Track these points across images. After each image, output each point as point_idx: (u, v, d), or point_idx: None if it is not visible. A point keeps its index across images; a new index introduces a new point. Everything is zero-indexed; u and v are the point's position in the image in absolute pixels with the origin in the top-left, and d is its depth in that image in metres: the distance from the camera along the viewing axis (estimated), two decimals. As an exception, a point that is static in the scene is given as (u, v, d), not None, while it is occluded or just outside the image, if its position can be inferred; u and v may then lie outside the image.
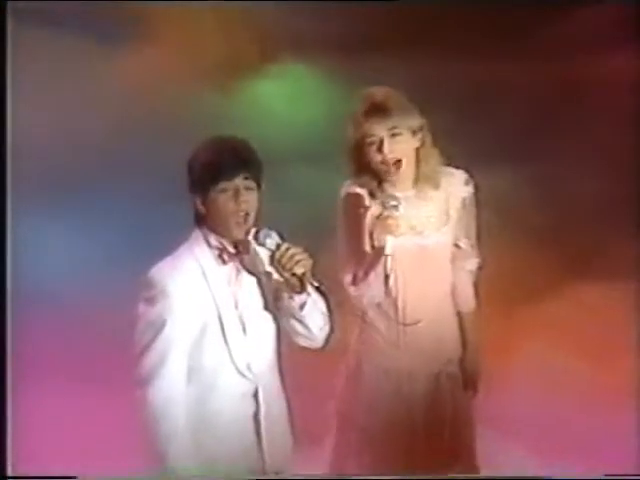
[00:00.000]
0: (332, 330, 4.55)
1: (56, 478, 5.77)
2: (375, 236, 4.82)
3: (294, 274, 4.37)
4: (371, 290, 4.87)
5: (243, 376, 4.47)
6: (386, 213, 4.77)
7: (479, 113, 7.59)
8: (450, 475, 5.01)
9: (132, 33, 8.87)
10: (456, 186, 4.96)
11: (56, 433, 6.66)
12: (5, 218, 7.03)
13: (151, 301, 4.38)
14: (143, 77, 8.36)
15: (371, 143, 4.79)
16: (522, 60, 8.47)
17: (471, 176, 5.00)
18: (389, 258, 4.81)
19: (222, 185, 4.35)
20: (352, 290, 4.88)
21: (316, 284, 4.46)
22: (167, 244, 4.49)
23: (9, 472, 5.81)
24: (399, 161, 4.80)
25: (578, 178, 7.81)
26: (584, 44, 8.66)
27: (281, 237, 4.40)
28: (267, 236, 4.38)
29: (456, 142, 5.11)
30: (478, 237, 5.05)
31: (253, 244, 4.41)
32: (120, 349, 4.71)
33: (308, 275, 4.40)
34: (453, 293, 5.03)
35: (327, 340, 4.55)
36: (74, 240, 7.03)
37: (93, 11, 8.99)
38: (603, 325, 6.95)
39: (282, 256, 4.36)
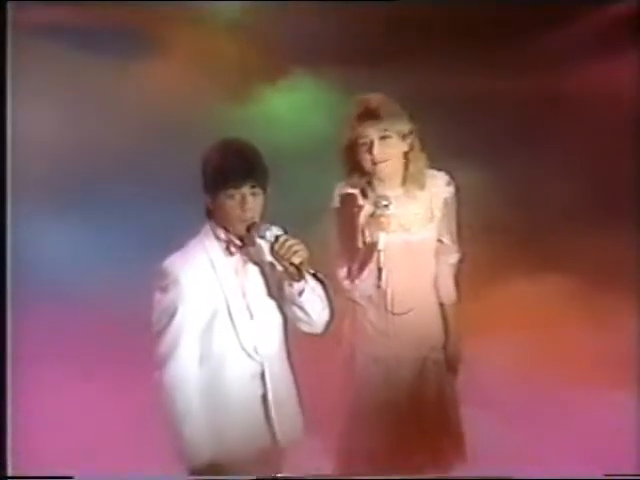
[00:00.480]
0: (332, 316, 4.55)
1: (56, 478, 5.52)
2: (368, 233, 4.87)
3: (292, 263, 4.38)
4: (364, 283, 4.91)
5: (251, 358, 4.50)
6: (378, 212, 4.82)
7: (466, 120, 7.58)
8: (450, 475, 5.07)
9: (148, 48, 8.82)
10: (439, 187, 4.98)
11: (62, 424, 6.39)
12: (13, 217, 7.01)
13: (165, 290, 4.41)
14: (159, 88, 8.29)
15: (363, 144, 4.83)
16: (506, 71, 8.41)
17: (452, 178, 5.02)
18: (381, 253, 4.86)
19: (230, 191, 4.39)
20: (346, 284, 4.91)
21: (312, 272, 4.48)
22: (177, 239, 4.51)
23: (9, 472, 5.65)
24: (386, 162, 4.84)
25: (552, 180, 7.82)
26: (566, 58, 8.58)
27: (284, 230, 4.44)
28: (267, 229, 4.41)
29: (443, 146, 5.13)
30: (459, 233, 5.07)
31: (254, 236, 4.44)
32: (135, 335, 4.75)
33: (305, 264, 4.41)
34: (436, 285, 5.04)
35: (327, 326, 4.56)
36: (94, 235, 6.99)
37: (111, 27, 8.99)
38: (570, 312, 6.93)
39: (281, 247, 4.38)
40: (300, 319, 4.55)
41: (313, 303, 4.52)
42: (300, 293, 4.47)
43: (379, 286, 4.91)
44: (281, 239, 4.39)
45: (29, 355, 6.49)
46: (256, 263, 4.53)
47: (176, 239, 4.54)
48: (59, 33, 9.00)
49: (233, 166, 4.43)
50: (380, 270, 4.88)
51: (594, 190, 7.74)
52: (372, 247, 4.86)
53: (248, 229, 4.43)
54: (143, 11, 9.27)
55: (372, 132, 4.82)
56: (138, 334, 4.61)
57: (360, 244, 4.88)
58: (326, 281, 4.56)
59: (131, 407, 5.02)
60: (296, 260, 4.39)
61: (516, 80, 8.44)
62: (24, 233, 7.00)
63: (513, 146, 7.98)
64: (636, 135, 7.85)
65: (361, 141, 4.84)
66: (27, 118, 7.86)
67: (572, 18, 8.85)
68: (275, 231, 4.42)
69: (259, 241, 4.46)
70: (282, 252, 4.40)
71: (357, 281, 4.90)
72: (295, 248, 4.38)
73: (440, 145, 5.14)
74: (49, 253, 7.12)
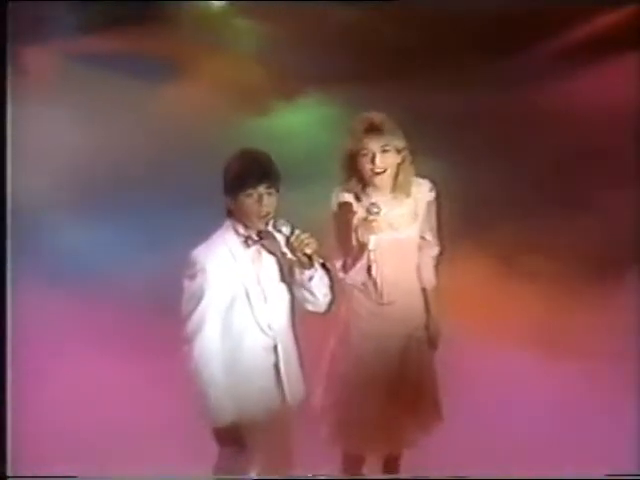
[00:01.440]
0: (334, 298, 4.64)
1: (56, 478, 5.33)
2: (360, 234, 4.90)
3: (305, 254, 4.46)
4: (357, 274, 4.94)
5: (265, 334, 4.57)
6: (370, 217, 4.85)
7: (452, 133, 7.56)
8: (451, 475, 4.99)
9: (175, 72, 8.81)
10: (423, 192, 5.00)
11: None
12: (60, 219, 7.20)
13: (193, 277, 4.47)
14: (185, 107, 8.29)
15: (365, 155, 4.85)
16: (487, 89, 8.34)
17: (434, 184, 5.04)
18: (371, 252, 4.91)
19: (249, 191, 4.45)
20: (341, 274, 4.93)
21: (321, 261, 4.55)
22: (202, 234, 4.55)
23: (9, 472, 5.40)
24: (385, 171, 4.88)
25: (522, 183, 7.75)
26: (536, 76, 8.59)
27: (293, 226, 4.52)
28: (283, 225, 4.52)
29: (428, 156, 5.18)
30: (439, 230, 5.08)
31: (272, 231, 4.53)
32: (166, 318, 4.76)
33: (315, 255, 4.49)
34: (418, 273, 5.05)
35: (329, 306, 4.64)
36: (127, 230, 6.97)
37: (143, 54, 8.99)
38: (534, 293, 6.86)
39: (295, 239, 4.47)
40: (308, 300, 4.62)
41: (320, 287, 4.59)
42: (310, 279, 4.54)
43: (370, 276, 4.93)
44: (296, 233, 4.48)
45: (57, 335, 6.44)
46: (271, 253, 4.58)
47: (198, 234, 4.58)
48: (98, 59, 9.03)
49: (251, 170, 4.49)
50: (370, 264, 4.92)
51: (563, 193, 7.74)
52: (364, 246, 4.90)
53: (267, 223, 4.51)
54: (171, 39, 9.30)
55: (374, 145, 4.84)
56: (166, 314, 4.68)
57: (354, 242, 4.91)
58: (331, 269, 4.64)
59: (163, 376, 5.00)
60: (308, 251, 4.47)
61: (497, 96, 8.34)
62: (69, 229, 7.14)
63: (492, 155, 7.92)
64: (601, 141, 7.94)
65: (364, 152, 4.86)
66: (70, 132, 7.97)
67: (554, 35, 8.89)
68: (290, 226, 4.52)
69: (276, 234, 4.53)
70: (296, 244, 4.48)
71: (351, 272, 4.93)
72: (307, 241, 4.47)
73: (427, 154, 5.20)
74: (88, 246, 7.08)
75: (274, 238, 4.57)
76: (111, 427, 5.74)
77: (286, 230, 4.53)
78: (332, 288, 4.67)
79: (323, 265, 4.59)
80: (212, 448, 4.64)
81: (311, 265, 4.52)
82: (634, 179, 7.45)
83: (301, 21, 9.19)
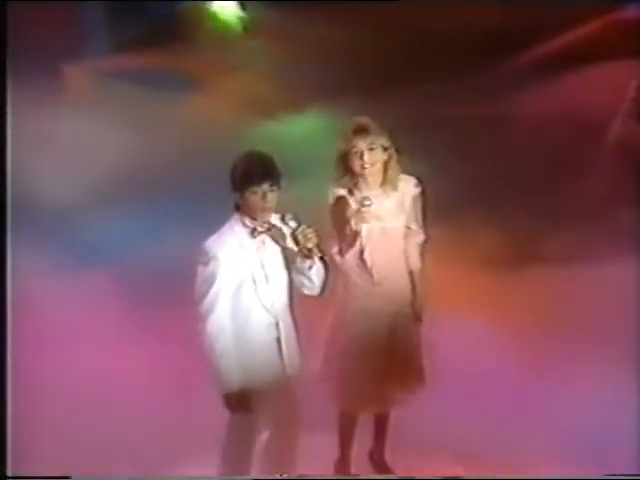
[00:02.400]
0: (326, 285, 4.62)
1: (55, 478, 4.99)
2: (353, 223, 4.85)
3: (307, 247, 4.47)
4: (351, 258, 4.90)
5: (268, 312, 4.56)
6: (363, 209, 4.82)
7: (437, 136, 7.50)
8: (450, 475, 4.92)
9: (191, 86, 8.85)
10: (409, 188, 4.97)
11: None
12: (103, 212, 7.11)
13: (206, 263, 4.45)
14: (199, 116, 8.29)
15: (355, 153, 4.82)
16: (468, 98, 8.41)
17: (420, 181, 5.00)
18: (363, 239, 4.88)
19: (254, 188, 4.43)
20: (338, 258, 4.90)
21: (320, 255, 4.54)
22: (214, 226, 4.52)
23: (9, 472, 4.97)
24: (373, 166, 4.84)
25: (497, 181, 7.69)
26: (514, 86, 8.65)
27: (298, 221, 4.50)
28: (290, 219, 4.49)
29: (415, 156, 5.11)
30: (424, 221, 5.04)
31: (280, 224, 4.52)
32: (179, 299, 4.76)
33: (315, 248, 4.48)
34: (406, 258, 5.02)
35: (323, 291, 4.63)
36: (148, 223, 6.91)
37: (165, 71, 9.04)
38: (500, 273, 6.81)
39: (299, 234, 4.46)
40: (305, 285, 4.60)
41: (317, 275, 4.58)
42: (309, 268, 4.53)
43: (362, 260, 4.91)
44: (302, 227, 4.47)
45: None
46: (276, 243, 4.56)
47: (211, 226, 4.55)
48: (128, 75, 9.10)
49: (255, 170, 4.48)
50: (362, 250, 4.90)
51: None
52: (357, 234, 4.88)
53: (282, 217, 4.51)
54: (191, 58, 9.30)
55: (362, 144, 4.82)
56: (183, 296, 4.62)
57: (348, 231, 4.88)
58: (327, 261, 4.62)
59: (180, 352, 4.96)
60: (310, 244, 4.46)
61: (477, 104, 8.42)
62: (103, 221, 7.08)
63: (473, 156, 7.92)
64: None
65: (354, 151, 4.83)
66: (104, 137, 8.01)
67: (530, 48, 8.84)
68: (296, 221, 4.50)
69: (283, 227, 4.52)
70: (301, 237, 4.47)
71: (346, 256, 4.90)
72: (310, 235, 4.46)
73: (416, 154, 5.15)
74: (119, 234, 7.00)
75: (280, 230, 4.55)
76: (119, 416, 5.56)
77: (293, 224, 4.51)
78: (327, 277, 4.64)
79: (321, 258, 4.58)
80: (222, 418, 4.62)
81: (312, 256, 4.51)
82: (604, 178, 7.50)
83: (305, 42, 9.27)
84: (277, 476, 4.62)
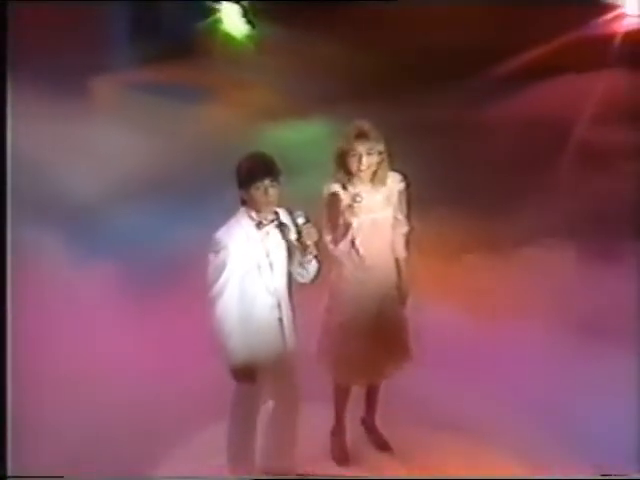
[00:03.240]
0: (318, 276, 4.63)
1: (54, 478, 4.71)
2: (346, 216, 4.83)
3: (306, 243, 4.50)
4: (344, 247, 4.87)
5: (271, 295, 4.56)
6: (354, 204, 4.81)
7: (417, 140, 7.43)
8: (450, 475, 4.77)
9: (204, 97, 8.84)
10: (395, 183, 4.93)
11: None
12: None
13: (217, 253, 4.45)
14: (211, 123, 8.28)
15: (353, 155, 4.77)
16: (444, 106, 8.35)
17: (405, 177, 4.96)
18: (355, 230, 4.85)
19: (257, 185, 4.43)
20: (332, 247, 4.86)
21: (315, 253, 4.56)
22: (223, 219, 4.51)
23: (9, 472, 4.70)
24: (362, 170, 4.80)
25: (479, 177, 7.64)
26: (485, 96, 8.64)
27: (307, 218, 4.51)
28: (298, 216, 4.51)
29: (402, 156, 5.07)
30: (408, 213, 5.00)
31: (288, 219, 4.53)
32: (190, 282, 4.74)
33: (313, 246, 4.51)
34: (392, 247, 4.98)
35: (314, 281, 4.65)
36: (170, 219, 6.87)
37: (180, 83, 9.03)
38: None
39: (302, 231, 4.49)
40: (300, 274, 4.61)
41: (313, 268, 4.59)
42: (308, 261, 4.55)
43: (354, 248, 4.88)
44: (306, 225, 4.49)
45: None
46: (281, 234, 4.55)
47: (221, 220, 4.54)
48: (149, 87, 9.10)
49: (258, 168, 4.47)
50: (354, 239, 4.87)
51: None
52: (349, 225, 4.85)
53: (273, 212, 4.49)
54: (205, 71, 9.31)
55: (362, 149, 4.77)
56: (196, 281, 4.61)
57: (341, 222, 4.85)
58: (319, 258, 4.61)
59: (194, 328, 4.92)
60: (309, 242, 4.49)
61: (457, 112, 8.38)
62: (129, 214, 7.06)
63: (453, 156, 7.84)
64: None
65: (352, 153, 4.78)
66: (128, 141, 7.99)
67: (498, 63, 8.82)
68: (303, 217, 4.50)
69: (290, 222, 4.52)
70: (302, 233, 4.49)
71: (339, 245, 4.87)
72: (311, 233, 4.49)
73: (402, 154, 5.09)
74: (141, 227, 6.95)
75: (285, 224, 4.55)
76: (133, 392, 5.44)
77: (301, 220, 4.51)
78: (319, 270, 4.65)
79: (316, 257, 4.59)
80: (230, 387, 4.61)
81: (309, 252, 4.53)
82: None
83: (306, 57, 9.30)
84: (277, 476, 4.57)
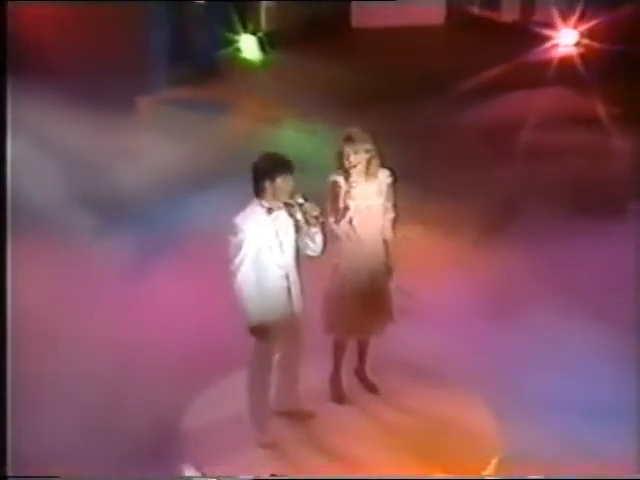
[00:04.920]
0: (325, 248, 4.54)
1: (54, 478, 4.22)
2: (345, 200, 4.74)
3: (312, 215, 4.40)
4: (343, 227, 4.77)
5: (281, 268, 4.48)
6: (352, 191, 4.73)
7: (402, 143, 7.10)
8: (450, 475, 4.43)
9: (225, 108, 8.81)
10: (385, 177, 4.82)
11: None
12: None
13: (235, 235, 4.38)
14: (232, 129, 8.23)
15: (345, 155, 4.72)
16: (426, 116, 8.28)
17: (393, 173, 4.85)
18: (352, 212, 4.75)
19: (271, 178, 4.36)
20: (334, 226, 4.76)
21: (322, 220, 4.47)
22: (241, 207, 4.43)
23: (9, 472, 4.16)
24: (355, 166, 4.72)
25: (450, 172, 7.52)
26: (461, 107, 8.52)
27: (305, 198, 4.43)
28: (299, 197, 4.42)
29: (391, 156, 4.94)
30: (395, 202, 4.88)
31: (292, 201, 4.42)
32: (216, 258, 4.58)
33: (319, 217, 4.42)
34: (382, 229, 4.88)
35: (322, 253, 4.55)
36: (198, 208, 6.78)
37: (206, 98, 8.96)
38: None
39: (306, 207, 4.41)
40: (309, 247, 4.51)
41: (319, 239, 4.49)
42: (315, 233, 4.45)
43: (351, 227, 4.79)
44: (308, 202, 4.40)
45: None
46: (289, 215, 4.45)
47: (240, 207, 4.46)
48: (181, 103, 9.05)
49: (272, 164, 4.40)
50: (352, 219, 4.77)
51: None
52: (347, 208, 4.75)
53: (291, 196, 4.39)
54: (225, 89, 9.33)
55: (349, 149, 4.71)
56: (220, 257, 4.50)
57: (341, 205, 4.75)
58: (326, 228, 4.54)
59: (219, 295, 4.77)
60: (315, 213, 4.40)
61: (434, 121, 8.27)
62: (166, 205, 6.99)
63: (431, 156, 7.73)
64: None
65: (343, 153, 4.73)
66: (164, 147, 7.94)
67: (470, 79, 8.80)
68: (303, 199, 4.41)
69: (294, 203, 4.41)
70: (308, 209, 4.39)
71: (340, 224, 4.76)
72: (315, 207, 4.41)
73: (391, 154, 4.96)
74: (176, 215, 6.86)
75: (292, 206, 4.45)
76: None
77: (301, 201, 4.43)
78: (326, 241, 4.55)
79: (322, 224, 4.49)
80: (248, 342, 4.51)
81: (316, 224, 4.44)
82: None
83: (307, 75, 9.21)
84: (277, 476, 4.38)
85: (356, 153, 4.71)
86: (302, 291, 4.58)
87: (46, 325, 5.40)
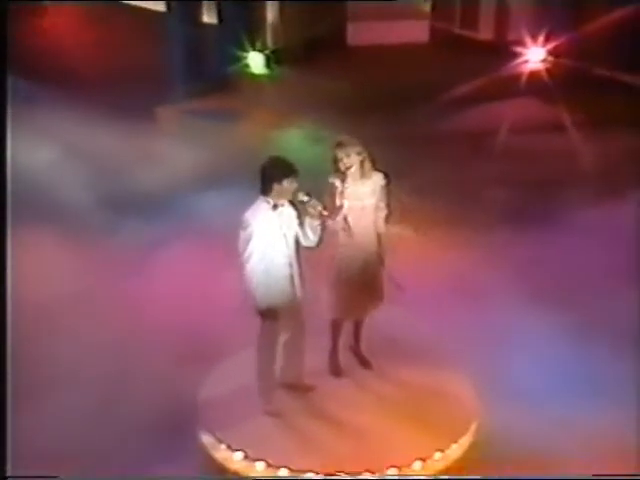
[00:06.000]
0: (321, 242, 4.51)
1: (54, 478, 3.82)
2: (341, 198, 4.67)
3: (316, 210, 4.37)
4: (339, 222, 4.70)
5: (285, 257, 4.43)
6: (346, 191, 4.66)
7: (392, 147, 6.93)
8: (450, 475, 4.34)
9: (237, 117, 8.77)
10: (379, 179, 4.76)
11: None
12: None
13: (245, 229, 4.33)
14: (243, 136, 8.15)
15: (339, 159, 4.66)
16: (412, 124, 8.24)
17: (386, 175, 4.78)
18: (345, 209, 4.68)
19: (278, 180, 4.32)
20: (330, 222, 4.67)
21: (326, 213, 4.43)
22: (249, 204, 4.38)
23: (9, 472, 3.77)
24: (348, 168, 4.65)
25: (435, 173, 7.45)
26: (444, 115, 8.49)
27: (309, 195, 4.39)
28: (302, 195, 4.37)
29: (384, 160, 4.85)
30: (388, 202, 4.80)
31: (299, 198, 4.38)
32: (227, 248, 4.47)
33: (319, 212, 4.38)
34: (375, 225, 4.80)
35: (318, 244, 4.51)
36: (214, 203, 6.71)
37: (221, 108, 8.94)
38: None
39: (310, 202, 4.37)
40: (309, 239, 4.44)
41: (319, 231, 4.44)
42: (317, 225, 4.40)
43: (346, 222, 4.72)
44: (310, 198, 4.36)
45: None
46: (294, 210, 4.40)
47: (248, 204, 4.41)
48: (198, 112, 9.01)
49: (277, 168, 4.36)
50: (346, 216, 4.71)
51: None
52: (342, 206, 4.69)
53: (295, 194, 4.34)
54: (237, 100, 9.30)
55: (341, 153, 4.64)
56: (231, 247, 4.41)
57: (338, 203, 4.68)
58: (324, 221, 4.48)
59: (230, 280, 4.69)
60: (319, 208, 4.37)
61: (418, 128, 8.22)
62: (187, 201, 6.96)
63: (418, 158, 7.62)
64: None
65: (338, 157, 4.66)
66: (183, 151, 7.92)
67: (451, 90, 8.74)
68: (306, 196, 4.36)
69: (298, 200, 4.36)
70: (310, 204, 4.35)
71: (336, 220, 4.68)
72: (317, 203, 4.37)
73: (384, 158, 4.88)
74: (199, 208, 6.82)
75: (297, 202, 4.41)
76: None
77: (306, 198, 4.38)
78: (322, 236, 4.51)
79: (323, 218, 4.43)
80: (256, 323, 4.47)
81: (319, 217, 4.40)
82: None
83: (308, 88, 9.14)
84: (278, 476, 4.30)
85: (348, 156, 4.65)
86: (304, 278, 4.52)
87: (62, 309, 5.27)
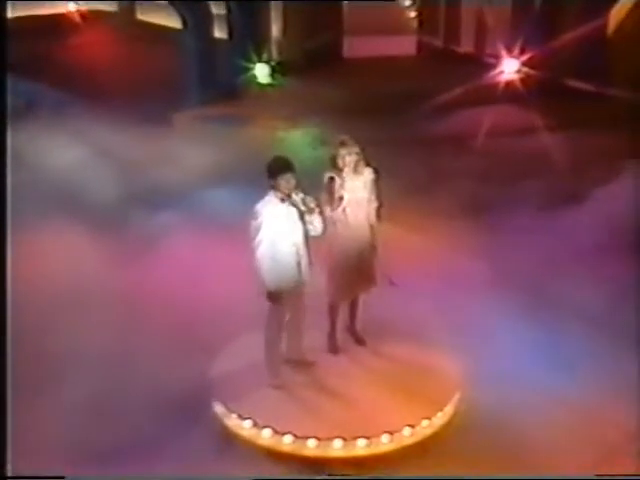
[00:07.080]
0: (325, 229, 4.47)
1: (54, 478, 3.45)
2: (339, 191, 4.60)
3: (310, 207, 4.35)
4: (337, 214, 4.63)
5: (292, 245, 4.38)
6: (344, 185, 4.60)
7: (386, 147, 6.74)
8: (450, 475, 4.05)
9: (243, 122, 8.72)
10: (369, 174, 4.69)
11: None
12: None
13: (256, 218, 4.29)
14: (249, 139, 8.08)
15: (340, 156, 4.60)
16: (402, 127, 8.18)
17: (376, 170, 4.71)
18: (344, 201, 4.61)
19: (281, 176, 4.29)
20: (329, 213, 4.61)
21: (319, 209, 4.41)
22: (260, 197, 4.32)
23: (9, 472, 3.42)
24: (346, 165, 4.60)
25: (421, 170, 7.43)
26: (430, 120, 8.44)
27: (304, 192, 4.36)
28: (297, 193, 4.34)
29: (376, 159, 4.77)
30: (378, 194, 4.73)
31: (296, 196, 4.34)
32: (239, 237, 4.44)
33: (316, 207, 4.36)
34: (367, 216, 4.73)
35: (322, 233, 4.48)
36: (226, 199, 6.59)
37: (229, 114, 8.89)
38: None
39: (308, 199, 4.35)
40: (312, 230, 4.42)
41: (318, 223, 4.41)
42: (314, 219, 4.38)
43: (344, 214, 4.65)
44: (307, 197, 4.33)
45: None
46: (294, 205, 4.36)
47: (259, 197, 4.35)
48: (210, 118, 8.92)
49: (281, 165, 4.33)
50: (344, 208, 4.64)
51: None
52: (341, 198, 4.62)
53: (295, 193, 4.32)
54: (243, 106, 9.26)
55: (343, 152, 4.59)
56: (243, 236, 4.37)
57: (336, 197, 4.61)
58: (325, 215, 4.45)
59: (239, 267, 4.62)
60: (312, 205, 4.34)
61: (408, 130, 8.17)
62: (201, 197, 6.86)
63: (409, 157, 7.59)
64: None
65: (339, 155, 4.60)
66: (197, 152, 7.80)
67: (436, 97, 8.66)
68: (301, 193, 4.33)
69: (297, 198, 4.34)
70: (307, 202, 4.32)
71: (335, 212, 4.62)
72: (311, 200, 4.34)
73: (376, 157, 4.79)
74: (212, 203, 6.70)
75: (296, 199, 4.37)
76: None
77: (301, 195, 4.35)
78: (325, 225, 4.49)
79: (321, 212, 4.43)
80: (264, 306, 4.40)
81: (314, 212, 4.38)
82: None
83: (308, 95, 9.11)
84: (279, 476, 4.19)
85: (349, 155, 4.60)
86: (312, 264, 4.47)
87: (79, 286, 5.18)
